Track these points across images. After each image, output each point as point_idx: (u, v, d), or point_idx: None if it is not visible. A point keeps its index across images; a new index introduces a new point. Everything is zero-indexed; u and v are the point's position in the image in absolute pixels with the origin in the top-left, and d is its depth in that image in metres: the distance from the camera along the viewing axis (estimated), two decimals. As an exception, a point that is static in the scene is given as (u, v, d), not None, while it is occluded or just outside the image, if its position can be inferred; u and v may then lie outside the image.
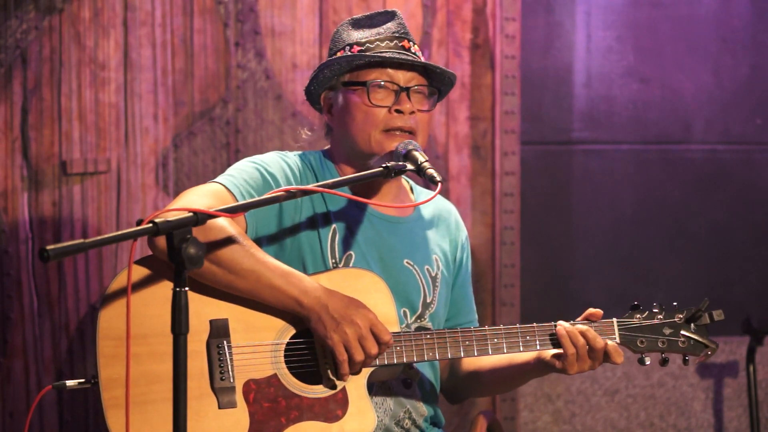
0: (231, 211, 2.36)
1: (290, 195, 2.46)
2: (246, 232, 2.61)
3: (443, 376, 2.92)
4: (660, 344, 2.72)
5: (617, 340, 2.70)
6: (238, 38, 4.02)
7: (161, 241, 2.36)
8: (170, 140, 3.98)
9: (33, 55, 3.89)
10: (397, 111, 2.70)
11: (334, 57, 2.75)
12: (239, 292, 2.52)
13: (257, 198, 2.48)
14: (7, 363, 3.90)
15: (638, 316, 2.73)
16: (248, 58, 4.04)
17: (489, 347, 2.64)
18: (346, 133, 2.75)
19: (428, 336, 2.62)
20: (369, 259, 2.73)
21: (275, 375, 2.53)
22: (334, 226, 2.72)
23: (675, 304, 2.75)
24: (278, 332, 2.55)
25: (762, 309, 4.53)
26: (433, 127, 4.13)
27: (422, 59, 2.77)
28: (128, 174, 3.95)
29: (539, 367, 2.72)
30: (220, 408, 2.49)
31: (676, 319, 2.74)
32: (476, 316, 3.00)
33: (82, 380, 2.52)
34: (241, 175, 2.66)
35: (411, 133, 2.71)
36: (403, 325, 2.74)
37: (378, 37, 2.74)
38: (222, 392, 2.49)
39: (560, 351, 2.66)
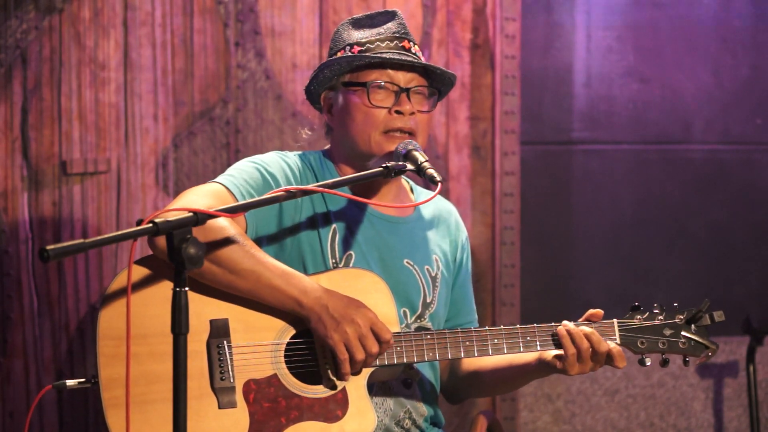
0: (231, 211, 2.36)
1: (290, 195, 2.46)
2: (246, 232, 2.61)
3: (443, 376, 2.92)
4: (660, 345, 2.72)
5: (618, 341, 2.70)
6: (238, 38, 4.02)
7: (161, 241, 2.36)
8: (170, 140, 3.98)
9: (33, 55, 3.89)
10: (397, 112, 2.70)
11: (334, 57, 2.75)
12: (239, 292, 2.52)
13: (257, 198, 2.48)
14: (7, 363, 3.90)
15: (639, 317, 2.73)
16: (248, 58, 4.04)
17: (489, 348, 2.64)
18: (346, 134, 2.75)
19: (428, 336, 2.62)
20: (369, 259, 2.73)
21: (275, 375, 2.53)
22: (334, 226, 2.72)
23: (675, 305, 2.75)
24: (278, 332, 2.55)
25: (762, 309, 4.52)
26: (433, 127, 4.13)
27: (423, 59, 2.77)
28: (128, 174, 3.95)
29: (540, 367, 2.72)
30: (220, 408, 2.49)
31: (676, 320, 2.74)
32: (476, 317, 3.00)
33: (83, 380, 2.52)
34: (241, 175, 2.66)
35: (411, 134, 2.71)
36: (403, 325, 2.74)
37: (378, 37, 2.74)
38: (222, 392, 2.49)
39: (561, 352, 2.66)
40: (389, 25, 2.76)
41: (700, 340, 2.73)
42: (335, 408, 2.55)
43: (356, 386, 2.57)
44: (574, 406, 4.51)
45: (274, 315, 2.54)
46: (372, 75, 2.71)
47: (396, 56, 2.70)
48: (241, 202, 2.53)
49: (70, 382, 2.53)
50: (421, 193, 2.93)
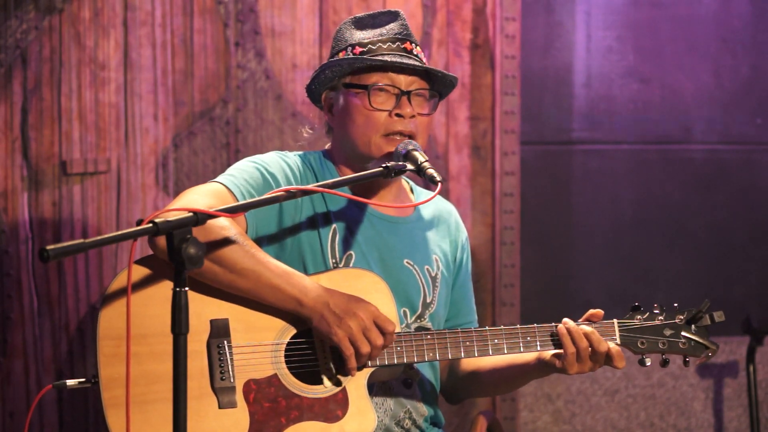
0: (231, 211, 2.36)
1: (290, 195, 2.46)
2: (246, 232, 2.61)
3: (442, 376, 2.92)
4: (660, 345, 2.72)
5: (618, 341, 2.70)
6: (238, 38, 4.02)
7: (161, 241, 2.36)
8: (170, 140, 3.98)
9: (33, 55, 3.89)
10: (398, 115, 2.70)
11: (336, 58, 2.75)
12: (239, 291, 2.52)
13: (257, 198, 2.48)
14: (7, 363, 3.90)
15: (639, 317, 2.73)
16: (248, 58, 4.04)
17: (489, 348, 2.64)
18: (347, 135, 2.75)
19: (428, 336, 2.62)
20: (369, 259, 2.73)
21: (275, 375, 2.53)
22: (334, 226, 2.73)
23: (675, 305, 2.75)
24: (279, 332, 2.55)
25: (762, 309, 4.53)
26: (433, 127, 4.13)
27: (424, 61, 2.77)
28: (128, 174, 3.95)
29: (540, 367, 2.72)
30: (220, 408, 2.49)
31: (676, 320, 2.74)
32: (476, 317, 3.00)
33: (83, 380, 2.52)
34: (241, 174, 2.66)
35: (411, 137, 2.71)
36: (403, 325, 2.74)
37: (380, 38, 2.73)
38: (222, 392, 2.49)
39: (560, 351, 2.66)
40: (391, 25, 2.76)
41: (700, 341, 2.73)
42: (335, 408, 2.55)
43: (356, 386, 2.57)
44: (574, 406, 4.52)
45: (274, 315, 2.55)
46: (373, 77, 2.71)
47: (397, 59, 2.70)
48: (241, 202, 2.53)
49: (70, 382, 2.53)
50: (421, 194, 2.93)
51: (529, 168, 4.38)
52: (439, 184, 2.57)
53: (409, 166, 2.62)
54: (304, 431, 2.52)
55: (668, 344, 2.72)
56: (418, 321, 2.78)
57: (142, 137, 3.95)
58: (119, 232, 2.13)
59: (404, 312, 2.76)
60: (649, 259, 4.54)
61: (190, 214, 2.18)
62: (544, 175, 4.48)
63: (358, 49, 2.73)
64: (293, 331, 2.56)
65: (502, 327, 2.66)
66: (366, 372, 2.58)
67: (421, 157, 2.63)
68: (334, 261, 2.70)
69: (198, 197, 2.53)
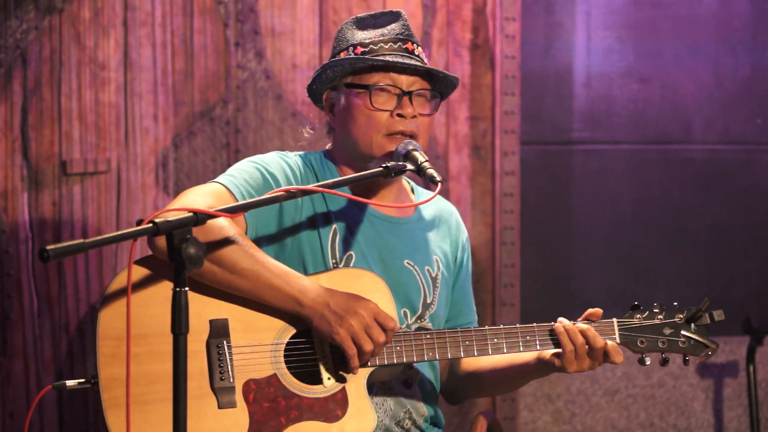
0: (231, 211, 2.36)
1: (290, 195, 2.46)
2: (246, 232, 2.61)
3: (442, 377, 2.92)
4: (660, 344, 2.72)
5: (617, 340, 2.70)
6: (238, 38, 4.02)
7: (161, 241, 2.36)
8: (170, 140, 3.98)
9: (33, 55, 3.89)
10: (399, 115, 2.70)
11: (337, 58, 2.75)
12: (239, 292, 2.52)
13: (257, 198, 2.48)
14: (7, 363, 3.90)
15: (638, 316, 2.73)
16: (248, 58, 4.04)
17: (489, 347, 2.64)
18: (348, 135, 2.75)
19: (428, 336, 2.62)
20: (369, 259, 2.73)
21: (275, 375, 2.53)
22: (334, 226, 2.73)
23: (675, 304, 2.75)
24: (278, 332, 2.55)
25: (762, 309, 4.52)
26: (434, 127, 4.13)
27: (426, 61, 2.77)
28: (128, 174, 3.95)
29: (539, 366, 2.72)
30: (219, 408, 2.49)
31: (676, 319, 2.74)
32: (476, 317, 3.00)
33: (82, 380, 2.52)
34: (241, 175, 2.66)
35: (412, 137, 2.71)
36: (404, 326, 2.74)
37: (382, 38, 2.73)
38: (222, 392, 2.49)
39: (560, 350, 2.66)
40: (393, 26, 2.76)
41: (700, 340, 2.73)
42: (335, 408, 2.55)
43: (356, 386, 2.57)
44: (574, 406, 4.52)
45: (273, 315, 2.55)
46: (374, 77, 2.71)
47: (399, 59, 2.70)
48: (241, 202, 2.53)
49: (69, 383, 2.53)
50: (421, 194, 2.93)
51: (529, 168, 4.38)
52: (439, 184, 2.57)
53: (409, 166, 2.62)
54: (303, 431, 2.53)
55: (668, 343, 2.72)
56: (419, 321, 2.78)
57: (142, 137, 3.96)
58: (119, 232, 2.13)
59: (404, 312, 2.76)
60: (649, 259, 4.54)
61: (190, 214, 2.18)
62: (544, 175, 4.48)
63: (360, 49, 2.73)
64: (292, 331, 2.56)
65: (501, 326, 2.66)
66: (365, 372, 2.58)
67: (421, 157, 2.63)
68: (334, 261, 2.70)
69: (197, 197, 2.53)
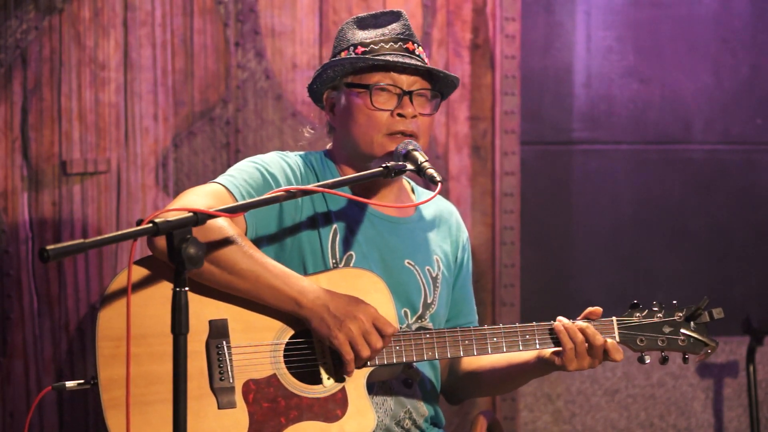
0: (231, 211, 2.35)
1: (290, 195, 2.46)
2: (246, 232, 2.61)
3: (442, 376, 2.92)
4: (660, 343, 2.72)
5: (617, 338, 2.70)
6: (238, 38, 4.02)
7: (161, 241, 2.36)
8: (170, 140, 3.98)
9: (33, 55, 3.89)
10: (399, 115, 2.70)
11: (338, 58, 2.75)
12: (238, 292, 2.52)
13: (257, 198, 2.48)
14: (7, 363, 3.90)
15: (638, 314, 2.73)
16: (248, 58, 4.04)
17: (488, 347, 2.64)
18: (348, 135, 2.75)
19: (428, 336, 2.62)
20: (370, 259, 2.73)
21: (275, 375, 2.53)
22: (334, 225, 2.72)
23: (675, 302, 2.75)
24: (277, 332, 2.55)
25: (762, 309, 4.52)
26: (434, 127, 4.13)
27: (426, 61, 2.77)
28: (128, 174, 3.95)
29: (539, 365, 2.72)
30: (219, 408, 2.49)
31: (675, 318, 2.74)
32: (476, 317, 3.00)
33: (82, 381, 2.52)
34: (241, 175, 2.66)
35: (412, 136, 2.71)
36: (404, 326, 2.74)
37: (382, 38, 2.73)
38: (221, 392, 2.49)
39: (559, 348, 2.66)
40: (394, 25, 2.76)
41: (700, 338, 2.73)
42: (335, 408, 2.55)
43: (356, 386, 2.57)
44: (574, 406, 4.51)
45: (273, 315, 2.54)
46: (375, 77, 2.71)
47: (399, 59, 2.70)
48: (241, 202, 2.53)
49: (69, 384, 2.53)
50: (422, 194, 2.93)
51: (529, 168, 4.38)
52: (439, 184, 2.57)
53: (409, 166, 2.62)
54: (303, 431, 2.53)
55: (667, 341, 2.72)
56: (419, 321, 2.78)
57: (142, 137, 3.96)
58: (119, 232, 2.13)
59: (405, 312, 2.76)
60: (649, 259, 4.53)
61: (190, 214, 2.18)
62: (544, 175, 4.48)
63: (360, 49, 2.73)
64: (292, 331, 2.56)
65: (501, 326, 2.66)
66: (365, 372, 2.58)
67: (421, 157, 2.63)
68: (334, 261, 2.70)
69: (197, 198, 2.53)
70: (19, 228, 3.89)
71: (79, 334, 3.93)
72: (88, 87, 3.91)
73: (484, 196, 4.23)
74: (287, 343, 2.55)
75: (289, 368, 2.55)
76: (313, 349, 2.57)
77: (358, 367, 2.54)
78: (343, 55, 2.75)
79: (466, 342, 2.63)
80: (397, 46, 2.73)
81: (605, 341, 2.65)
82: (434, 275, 2.84)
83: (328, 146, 2.87)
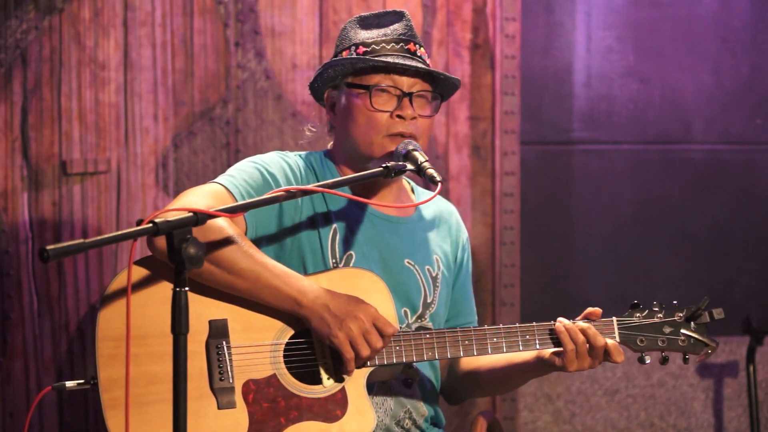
0: (231, 211, 2.35)
1: (290, 195, 2.46)
2: (246, 232, 2.61)
3: (442, 376, 2.91)
4: (660, 343, 2.72)
5: (617, 338, 2.70)
6: (238, 38, 4.02)
7: (161, 241, 2.36)
8: (170, 140, 3.98)
9: (33, 55, 3.89)
10: (399, 116, 2.70)
11: (339, 58, 2.75)
12: (238, 292, 2.52)
13: (257, 198, 2.48)
14: (7, 363, 3.90)
15: (638, 314, 2.73)
16: (248, 58, 4.04)
17: (488, 347, 2.64)
18: (348, 135, 2.75)
19: (428, 336, 2.62)
20: (370, 259, 2.73)
21: (274, 375, 2.53)
22: (334, 225, 2.72)
23: (675, 302, 2.75)
24: (277, 332, 2.55)
25: (762, 309, 4.52)
26: (433, 127, 4.13)
27: (428, 62, 2.77)
28: (128, 174, 3.95)
29: (539, 366, 2.72)
30: (219, 408, 2.48)
31: (675, 318, 2.74)
32: (476, 318, 3.00)
33: (82, 381, 2.52)
34: (240, 175, 2.66)
35: (412, 138, 2.71)
36: (404, 325, 2.74)
37: (384, 38, 2.73)
38: (221, 392, 2.49)
39: (560, 349, 2.66)
40: (396, 26, 2.76)
41: (700, 338, 2.73)
42: (334, 408, 2.55)
43: (355, 386, 2.57)
44: (574, 406, 4.51)
45: (272, 315, 2.54)
46: (375, 78, 2.71)
47: (400, 60, 2.70)
48: (241, 202, 2.53)
49: (69, 384, 2.53)
50: (421, 194, 2.93)
51: (529, 168, 4.38)
52: (439, 184, 2.57)
53: (409, 166, 2.62)
54: (303, 431, 2.52)
55: (667, 342, 2.72)
56: (419, 321, 2.78)
57: (142, 137, 3.96)
58: (119, 232, 2.13)
59: (405, 312, 2.76)
60: (649, 259, 4.53)
61: (190, 214, 2.18)
62: (544, 175, 4.48)
63: (362, 49, 2.73)
64: (291, 331, 2.56)
65: (501, 326, 2.66)
66: (365, 371, 2.58)
67: (421, 157, 2.63)
68: (334, 261, 2.70)
69: (197, 198, 2.53)
70: (19, 228, 3.89)
71: (79, 334, 3.93)
72: (88, 87, 3.91)
73: (484, 196, 4.23)
74: (287, 343, 2.55)
75: (289, 368, 2.55)
76: (313, 349, 2.57)
77: (358, 367, 2.54)
78: (344, 54, 2.76)
79: (466, 342, 2.63)
80: (398, 46, 2.73)
81: (606, 342, 2.65)
82: (434, 275, 2.84)
83: (329, 146, 2.87)
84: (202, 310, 2.50)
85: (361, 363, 2.53)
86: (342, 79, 2.76)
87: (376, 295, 2.60)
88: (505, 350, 2.65)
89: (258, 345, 2.53)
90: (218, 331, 2.51)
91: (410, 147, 2.65)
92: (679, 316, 2.74)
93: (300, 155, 2.81)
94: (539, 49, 4.46)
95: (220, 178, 2.65)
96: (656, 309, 2.74)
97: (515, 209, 4.24)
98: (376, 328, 2.52)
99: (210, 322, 2.50)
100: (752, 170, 4.59)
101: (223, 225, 2.50)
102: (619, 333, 2.71)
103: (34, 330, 3.91)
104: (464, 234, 2.98)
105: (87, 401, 3.93)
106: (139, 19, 3.94)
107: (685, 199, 4.56)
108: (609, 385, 4.53)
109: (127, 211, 3.95)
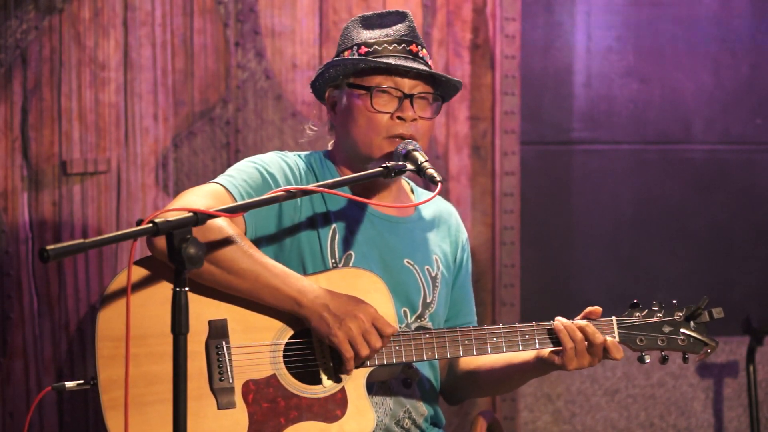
0: (231, 211, 2.35)
1: (290, 195, 2.45)
2: (245, 232, 2.61)
3: (441, 377, 2.91)
4: (659, 342, 2.72)
5: (616, 338, 2.70)
6: (238, 38, 4.02)
7: (160, 241, 2.36)
8: (170, 140, 3.98)
9: (33, 55, 3.89)
10: (399, 118, 2.70)
11: (340, 58, 2.75)
12: (238, 292, 2.52)
13: (257, 198, 2.48)
14: (7, 363, 3.90)
15: (637, 314, 2.73)
16: (248, 58, 4.04)
17: (488, 346, 2.64)
18: (348, 135, 2.75)
19: (427, 335, 2.62)
20: (369, 258, 2.73)
21: (274, 375, 2.53)
22: (333, 226, 2.72)
23: (674, 302, 2.75)
24: (277, 332, 2.55)
25: (762, 309, 4.52)
26: (434, 129, 4.13)
27: (430, 63, 2.77)
28: (128, 174, 3.95)
29: (538, 365, 2.72)
30: (219, 409, 2.48)
31: (675, 317, 2.73)
32: (476, 318, 3.00)
33: (81, 381, 2.52)
34: (240, 175, 2.66)
35: (412, 140, 2.71)
36: (403, 325, 2.74)
37: (386, 39, 2.73)
38: (221, 393, 2.49)
39: (559, 348, 2.66)
40: (398, 26, 2.76)
41: (700, 337, 2.73)
42: (334, 408, 2.55)
43: (355, 386, 2.57)
44: (574, 406, 4.51)
45: (272, 315, 2.54)
46: (377, 79, 2.71)
47: (402, 62, 2.70)
48: (241, 202, 2.53)
49: (69, 384, 2.53)
50: (421, 194, 2.93)
51: (529, 168, 4.38)
52: (439, 184, 2.57)
53: (409, 166, 2.62)
54: (303, 431, 2.52)
55: (667, 341, 2.72)
56: (419, 321, 2.79)
57: (142, 137, 3.96)
58: (119, 232, 2.13)
59: (404, 312, 2.76)
60: (649, 259, 4.53)
61: (190, 214, 2.18)
62: (544, 175, 4.48)
63: (364, 49, 2.73)
64: (291, 331, 2.56)
65: (500, 326, 2.66)
66: (364, 371, 2.58)
67: (421, 157, 2.63)
68: (333, 261, 2.70)
69: (196, 198, 2.53)
70: (19, 228, 3.89)
71: (79, 334, 3.93)
72: (88, 87, 3.91)
73: (484, 196, 4.23)
74: (287, 344, 2.55)
75: (288, 368, 2.55)
76: (313, 349, 2.57)
77: (357, 367, 2.54)
78: (346, 54, 2.75)
79: (466, 342, 2.63)
80: (400, 47, 2.73)
81: (605, 339, 2.65)
82: (434, 275, 2.84)
83: (329, 146, 2.87)
84: (202, 310, 2.50)
85: (360, 363, 2.53)
86: (343, 79, 2.75)
87: (376, 295, 2.60)
88: (504, 350, 2.65)
89: (258, 345, 2.53)
90: (218, 331, 2.51)
91: (410, 147, 2.65)
92: (679, 315, 2.74)
93: (299, 155, 2.81)
94: (539, 49, 4.46)
95: (220, 179, 2.65)
96: (656, 308, 2.74)
97: (515, 209, 4.24)
98: (375, 328, 2.52)
99: (209, 322, 2.50)
100: (752, 170, 4.59)
101: (222, 225, 2.50)
102: (619, 332, 2.71)
103: (34, 330, 3.91)
104: (464, 234, 2.98)
105: (87, 401, 3.93)
106: (139, 19, 3.94)
107: (685, 199, 4.55)
108: (609, 385, 4.53)
109: (127, 211, 3.95)
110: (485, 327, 2.65)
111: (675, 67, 4.54)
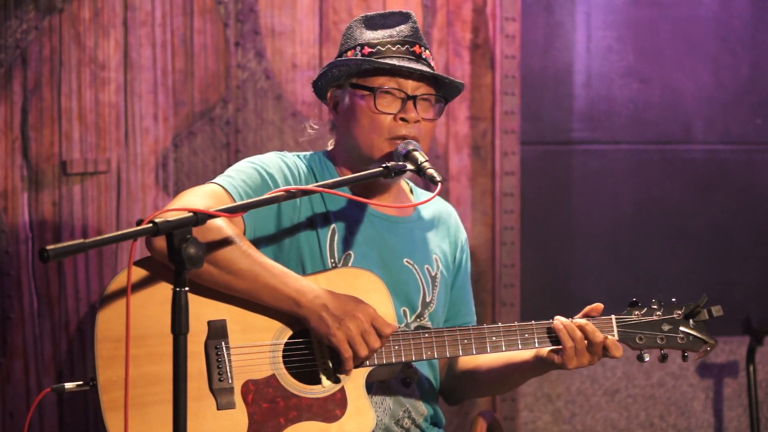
0: (230, 212, 2.35)
1: (289, 195, 2.45)
2: (244, 233, 2.61)
3: (441, 376, 2.91)
4: (659, 341, 2.72)
5: (616, 336, 2.70)
6: (238, 38, 4.02)
7: (160, 242, 2.36)
8: (170, 140, 3.99)
9: (33, 55, 3.89)
10: (402, 119, 2.70)
11: (343, 58, 2.75)
12: (237, 292, 2.52)
13: (256, 198, 2.48)
14: (7, 363, 3.90)
15: (637, 312, 2.73)
16: (248, 58, 4.04)
17: (487, 345, 2.64)
18: (350, 136, 2.75)
19: (426, 335, 2.62)
20: (369, 258, 2.73)
21: (274, 375, 2.53)
22: (333, 226, 2.73)
23: (674, 300, 2.75)
24: (276, 332, 2.55)
25: (762, 309, 4.52)
26: (435, 131, 4.13)
27: (432, 64, 2.77)
28: (128, 174, 3.95)
29: (537, 364, 2.72)
30: (218, 409, 2.49)
31: (674, 316, 2.73)
32: (475, 318, 3.00)
33: (81, 382, 2.52)
34: (239, 176, 2.66)
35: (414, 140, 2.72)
36: (403, 324, 2.74)
37: (390, 40, 2.73)
38: (220, 393, 2.49)
39: (559, 347, 2.66)
40: (402, 27, 2.75)
41: (699, 335, 2.73)
42: (334, 408, 2.55)
43: (355, 385, 2.57)
44: (574, 406, 4.51)
45: (271, 315, 2.54)
46: (380, 80, 2.71)
47: (405, 63, 2.70)
48: (240, 202, 2.53)
49: (68, 385, 2.53)
50: (420, 195, 2.93)
51: (529, 168, 4.38)
52: (439, 184, 2.57)
53: (409, 166, 2.62)
54: (302, 431, 2.52)
55: (666, 339, 2.72)
56: (418, 320, 2.79)
57: (142, 137, 3.96)
58: (119, 232, 2.13)
59: (404, 311, 2.76)
60: (649, 259, 4.53)
61: (190, 214, 2.18)
62: (544, 175, 4.48)
63: (367, 50, 2.73)
64: (291, 331, 2.56)
65: (500, 325, 2.66)
66: (364, 371, 2.58)
67: (421, 157, 2.63)
68: (332, 261, 2.70)
69: (195, 198, 2.53)
70: (19, 228, 3.89)
71: (79, 334, 3.93)
72: (88, 87, 3.91)
73: (484, 196, 4.23)
74: (286, 344, 2.56)
75: (288, 368, 2.55)
76: (312, 349, 2.57)
77: (356, 367, 2.54)
78: (349, 54, 2.75)
79: (465, 341, 2.63)
80: (404, 48, 2.73)
81: (605, 338, 2.65)
82: (433, 274, 2.84)
83: (329, 146, 2.87)
84: (201, 310, 2.50)
85: (359, 362, 2.53)
86: (346, 79, 2.75)
87: (375, 295, 2.60)
88: (503, 349, 2.65)
89: (257, 345, 2.53)
90: (217, 331, 2.51)
91: (410, 147, 2.65)
92: (678, 313, 2.74)
93: (299, 156, 2.81)
94: (539, 49, 4.46)
95: (219, 179, 2.65)
96: (655, 307, 2.74)
97: (515, 209, 4.24)
98: (374, 328, 2.52)
99: (209, 322, 2.50)
100: (752, 170, 4.59)
101: (221, 225, 2.50)
102: (618, 331, 2.71)
103: (34, 330, 3.91)
104: (463, 235, 2.98)
105: (87, 401, 3.93)
106: (139, 19, 3.94)
107: (685, 199, 4.55)
108: (609, 385, 4.53)
109: (127, 211, 3.95)
110: (484, 326, 2.65)
111: (675, 67, 4.54)
